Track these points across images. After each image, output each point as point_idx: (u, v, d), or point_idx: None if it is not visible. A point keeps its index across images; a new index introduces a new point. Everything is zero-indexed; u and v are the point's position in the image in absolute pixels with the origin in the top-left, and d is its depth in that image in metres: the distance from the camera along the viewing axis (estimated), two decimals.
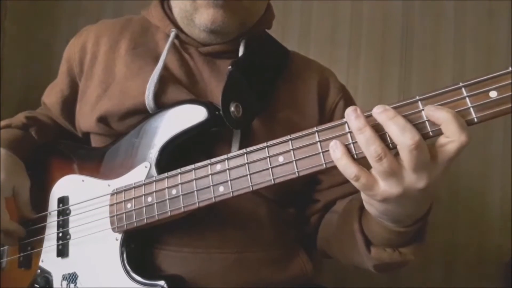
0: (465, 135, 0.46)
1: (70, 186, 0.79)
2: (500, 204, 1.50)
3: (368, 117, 0.50)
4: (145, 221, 0.67)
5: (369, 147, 0.48)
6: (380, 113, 0.49)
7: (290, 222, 0.83)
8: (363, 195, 0.56)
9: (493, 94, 0.47)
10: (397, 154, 0.49)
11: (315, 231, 0.84)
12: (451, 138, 0.47)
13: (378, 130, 0.49)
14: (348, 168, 0.51)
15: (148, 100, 0.74)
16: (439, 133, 0.48)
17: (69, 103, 0.88)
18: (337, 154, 0.52)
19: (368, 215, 0.62)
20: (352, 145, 0.52)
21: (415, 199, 0.52)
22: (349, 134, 0.52)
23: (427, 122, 0.49)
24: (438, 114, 0.47)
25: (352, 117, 0.50)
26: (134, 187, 0.69)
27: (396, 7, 1.61)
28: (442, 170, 0.49)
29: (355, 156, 0.52)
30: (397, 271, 0.71)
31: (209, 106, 0.71)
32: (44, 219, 0.80)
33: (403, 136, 0.47)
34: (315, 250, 0.87)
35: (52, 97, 0.91)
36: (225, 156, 0.61)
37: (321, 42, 1.63)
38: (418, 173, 0.48)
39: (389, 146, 0.49)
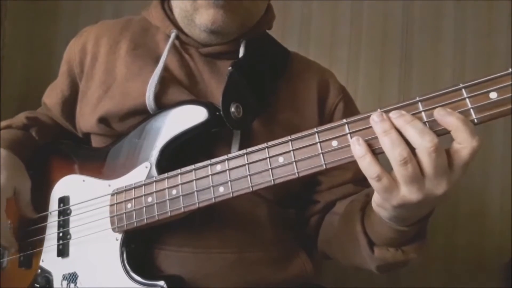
0: (476, 140, 0.47)
1: (70, 186, 0.79)
2: (500, 204, 1.50)
3: None
4: (145, 221, 0.67)
5: (395, 150, 0.48)
6: (397, 118, 0.49)
7: (290, 222, 0.83)
8: (377, 198, 0.55)
9: (493, 96, 0.47)
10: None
11: (315, 232, 0.84)
12: (463, 144, 0.47)
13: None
14: (371, 167, 0.50)
15: (149, 100, 0.74)
16: (440, 133, 0.48)
17: (70, 103, 0.88)
18: (360, 151, 0.50)
19: (371, 215, 0.63)
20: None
21: (431, 205, 0.52)
22: (349, 135, 0.52)
23: (427, 124, 0.49)
24: (448, 120, 0.47)
25: (377, 119, 0.49)
26: (135, 187, 0.69)
27: (396, 7, 1.61)
28: (458, 176, 0.49)
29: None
30: (397, 271, 0.71)
31: (210, 106, 0.71)
32: (44, 219, 0.80)
33: (422, 139, 0.47)
34: (315, 250, 0.87)
35: (52, 97, 0.91)
36: (225, 157, 0.61)
37: (321, 42, 1.63)
38: (438, 178, 0.48)
39: None
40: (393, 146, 0.48)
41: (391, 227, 0.59)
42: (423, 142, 0.47)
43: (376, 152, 0.51)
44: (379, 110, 0.51)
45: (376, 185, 0.50)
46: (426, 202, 0.50)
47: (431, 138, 0.47)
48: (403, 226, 0.59)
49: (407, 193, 0.49)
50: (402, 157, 0.47)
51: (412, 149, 0.48)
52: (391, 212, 0.55)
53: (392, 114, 0.49)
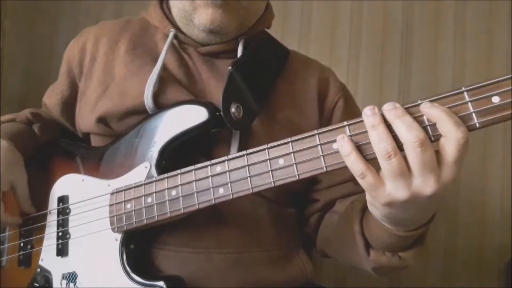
0: (461, 131, 0.46)
1: (70, 185, 0.79)
2: (500, 204, 1.50)
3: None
4: (145, 221, 0.67)
5: (380, 144, 0.48)
6: (390, 110, 0.49)
7: (290, 222, 0.83)
8: (368, 197, 0.55)
9: (496, 100, 0.46)
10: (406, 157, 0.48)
11: (314, 231, 0.84)
12: (448, 136, 0.47)
13: (391, 131, 0.49)
14: (356, 165, 0.50)
15: (147, 100, 0.74)
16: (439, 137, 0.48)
17: (69, 104, 0.89)
18: (346, 149, 0.51)
19: (370, 217, 0.62)
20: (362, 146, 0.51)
21: (422, 206, 0.51)
22: (350, 138, 0.52)
23: (429, 127, 0.49)
24: (432, 112, 0.48)
25: (368, 113, 0.50)
26: (134, 187, 0.69)
27: (396, 7, 1.61)
28: (450, 176, 0.48)
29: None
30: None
31: (210, 106, 0.70)
32: (44, 217, 0.80)
33: (409, 133, 0.47)
34: (314, 250, 0.87)
35: (52, 98, 0.91)
36: (225, 158, 0.61)
37: (321, 42, 1.63)
38: (425, 175, 0.47)
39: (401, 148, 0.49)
40: (379, 141, 0.48)
41: (387, 231, 0.59)
42: (409, 137, 0.47)
43: (369, 158, 0.51)
44: (371, 106, 0.50)
45: (361, 182, 0.51)
46: (415, 202, 0.50)
47: (417, 133, 0.47)
48: (401, 232, 0.58)
49: (393, 190, 0.49)
50: (386, 151, 0.48)
51: (401, 145, 0.48)
52: (381, 211, 0.55)
53: (386, 106, 0.49)
